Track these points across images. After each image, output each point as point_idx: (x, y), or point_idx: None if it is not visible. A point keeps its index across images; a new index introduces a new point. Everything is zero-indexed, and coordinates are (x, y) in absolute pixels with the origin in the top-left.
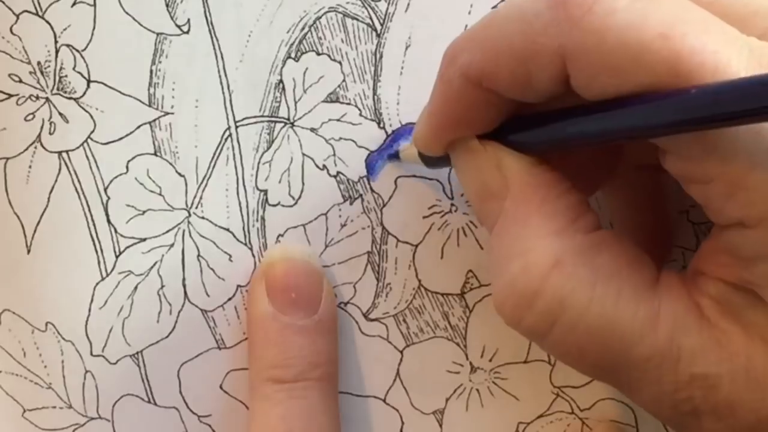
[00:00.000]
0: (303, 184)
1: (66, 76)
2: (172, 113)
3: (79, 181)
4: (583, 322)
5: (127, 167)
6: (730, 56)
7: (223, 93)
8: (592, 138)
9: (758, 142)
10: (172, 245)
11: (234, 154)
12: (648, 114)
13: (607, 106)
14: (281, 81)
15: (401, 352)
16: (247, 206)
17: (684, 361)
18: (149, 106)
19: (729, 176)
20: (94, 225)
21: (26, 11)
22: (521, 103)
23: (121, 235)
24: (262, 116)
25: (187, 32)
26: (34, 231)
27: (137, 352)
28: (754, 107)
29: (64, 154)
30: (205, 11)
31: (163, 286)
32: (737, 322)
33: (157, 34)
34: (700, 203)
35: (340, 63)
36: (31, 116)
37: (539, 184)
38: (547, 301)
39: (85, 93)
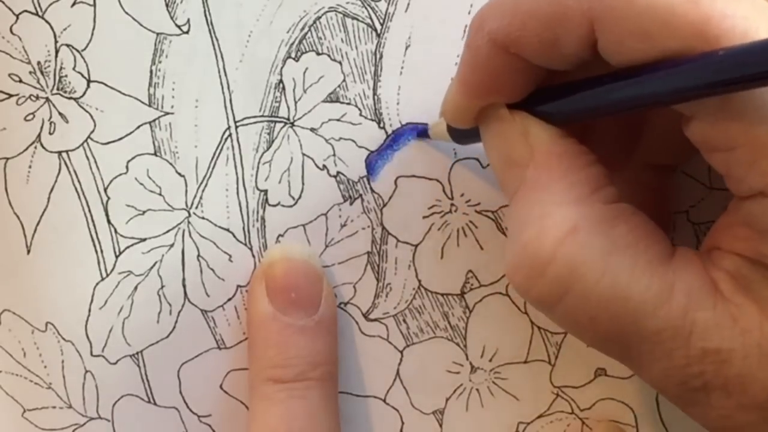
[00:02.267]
0: (303, 184)
1: (66, 76)
2: (172, 113)
3: (79, 181)
4: (595, 291)
5: (127, 167)
6: (759, 23)
7: (223, 93)
8: (620, 105)
9: None
10: (172, 245)
11: (234, 154)
12: (675, 77)
13: (634, 72)
14: (281, 81)
15: (401, 352)
16: (247, 206)
17: (696, 335)
18: (149, 106)
19: (754, 142)
20: (94, 225)
21: (26, 11)
22: (550, 72)
23: (121, 235)
24: (262, 116)
25: (187, 32)
26: (34, 231)
27: (137, 352)
28: None
29: (64, 154)
30: (205, 11)
31: (163, 286)
32: (752, 297)
33: (157, 34)
34: (722, 173)
35: (340, 63)
36: (31, 116)
37: (564, 153)
38: (560, 269)
39: (85, 93)
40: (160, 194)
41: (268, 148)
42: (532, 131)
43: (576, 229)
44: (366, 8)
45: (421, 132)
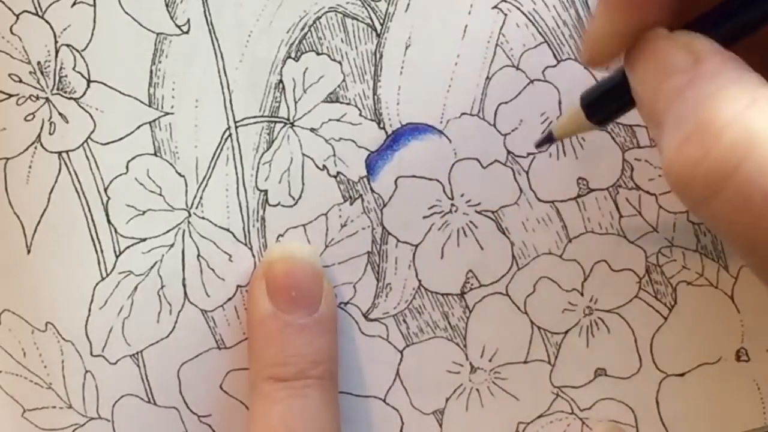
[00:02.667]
0: (303, 184)
1: (66, 76)
2: (172, 113)
3: (79, 181)
4: None
5: (127, 167)
6: None
7: (223, 93)
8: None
9: None
10: (172, 245)
11: (234, 154)
12: None
13: None
14: (281, 81)
15: (401, 352)
16: (247, 206)
17: None
18: (149, 106)
19: None
20: (94, 225)
21: (26, 11)
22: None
23: (121, 235)
24: (262, 116)
25: (187, 32)
26: (34, 231)
27: (137, 352)
28: None
29: (64, 154)
30: (205, 11)
31: (163, 286)
32: None
33: (157, 34)
34: None
35: (340, 63)
36: (31, 116)
37: (733, 59)
38: (739, 133)
39: (85, 93)
40: (160, 194)
41: (268, 148)
42: (695, 42)
43: (756, 101)
44: (366, 8)
45: (543, 140)
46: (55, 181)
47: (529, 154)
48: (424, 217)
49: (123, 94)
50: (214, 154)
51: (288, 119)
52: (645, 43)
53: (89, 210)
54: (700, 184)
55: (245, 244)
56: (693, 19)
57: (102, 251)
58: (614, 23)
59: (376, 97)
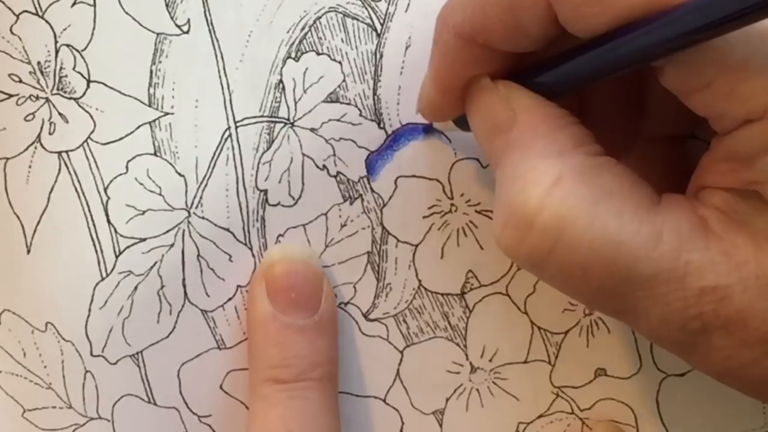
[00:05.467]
0: (303, 184)
1: (66, 76)
2: (172, 113)
3: (79, 181)
4: (585, 239)
5: (127, 167)
6: None
7: (223, 93)
8: (595, 71)
9: (750, 36)
10: (172, 245)
11: (234, 154)
12: (645, 35)
13: (603, 38)
14: (281, 81)
15: (401, 352)
16: (247, 206)
17: (692, 276)
18: (149, 106)
19: (728, 72)
20: (94, 225)
21: (26, 11)
22: (521, 58)
23: (121, 235)
24: (262, 116)
25: (187, 32)
26: (34, 231)
27: (137, 352)
28: (744, 6)
29: (64, 154)
30: (205, 11)
31: (163, 286)
32: (744, 230)
33: (157, 34)
34: (703, 114)
35: (340, 63)
36: (31, 116)
37: (546, 114)
38: (548, 218)
39: (85, 93)
40: (160, 194)
41: (268, 148)
42: (513, 95)
43: (561, 179)
44: (366, 8)
45: (428, 128)
46: (55, 181)
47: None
48: (424, 217)
49: (123, 94)
50: (214, 154)
51: (288, 119)
52: (472, 93)
53: (89, 210)
54: (523, 262)
55: (245, 244)
56: (527, 65)
57: (102, 251)
58: (440, 96)
59: (376, 97)
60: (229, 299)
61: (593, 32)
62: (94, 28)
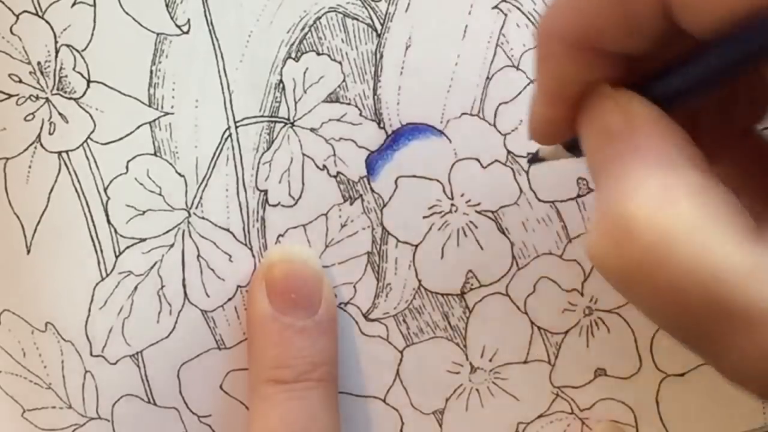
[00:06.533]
0: (303, 184)
1: (66, 76)
2: (172, 113)
3: (79, 181)
4: (688, 262)
5: (127, 167)
6: None
7: (223, 93)
8: (714, 76)
9: None
10: (172, 245)
11: (234, 154)
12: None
13: (723, 39)
14: (281, 81)
15: (401, 352)
16: (247, 206)
17: None
18: (149, 106)
19: None
20: (94, 225)
21: (26, 11)
22: (635, 63)
23: (121, 236)
24: (262, 116)
25: (187, 32)
26: (34, 231)
27: (137, 352)
28: None
29: (64, 154)
30: (205, 11)
31: (163, 286)
32: None
33: (157, 34)
34: None
35: (340, 63)
36: (31, 116)
37: (667, 127)
38: (654, 235)
39: (85, 93)
40: (160, 194)
41: (268, 148)
42: (634, 103)
43: (676, 197)
44: (366, 8)
45: (533, 158)
46: (55, 181)
47: (529, 153)
48: (424, 217)
49: (123, 94)
50: (214, 154)
51: (288, 119)
52: (589, 100)
53: (89, 210)
54: (614, 274)
55: (245, 244)
56: (648, 74)
57: (102, 251)
58: (553, 111)
59: (376, 97)
60: (229, 299)
61: (715, 30)
62: (94, 28)
